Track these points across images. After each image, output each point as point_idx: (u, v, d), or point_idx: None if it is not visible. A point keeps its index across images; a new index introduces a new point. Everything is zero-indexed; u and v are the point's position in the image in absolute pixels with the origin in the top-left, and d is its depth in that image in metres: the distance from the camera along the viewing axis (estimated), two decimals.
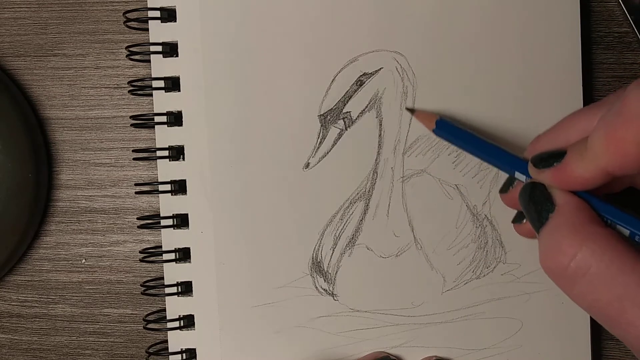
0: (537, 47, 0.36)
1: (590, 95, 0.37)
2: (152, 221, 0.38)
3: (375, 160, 0.37)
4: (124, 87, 0.39)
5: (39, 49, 0.40)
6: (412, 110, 0.36)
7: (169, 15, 0.37)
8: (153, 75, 0.37)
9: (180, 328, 0.38)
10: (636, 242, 0.25)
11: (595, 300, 0.23)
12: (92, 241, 0.40)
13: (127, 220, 0.40)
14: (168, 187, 0.37)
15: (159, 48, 0.37)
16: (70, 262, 0.40)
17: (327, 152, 0.37)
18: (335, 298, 0.37)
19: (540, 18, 0.36)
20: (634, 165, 0.24)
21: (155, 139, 0.38)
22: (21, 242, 0.39)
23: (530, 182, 0.28)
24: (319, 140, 0.37)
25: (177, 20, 0.37)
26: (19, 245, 0.39)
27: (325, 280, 0.37)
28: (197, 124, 0.37)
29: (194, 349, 0.38)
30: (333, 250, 0.37)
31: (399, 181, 0.37)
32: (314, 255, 0.37)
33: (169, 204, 0.38)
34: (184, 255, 0.38)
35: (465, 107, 0.36)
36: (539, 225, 0.26)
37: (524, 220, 0.30)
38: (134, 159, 0.38)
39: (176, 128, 0.37)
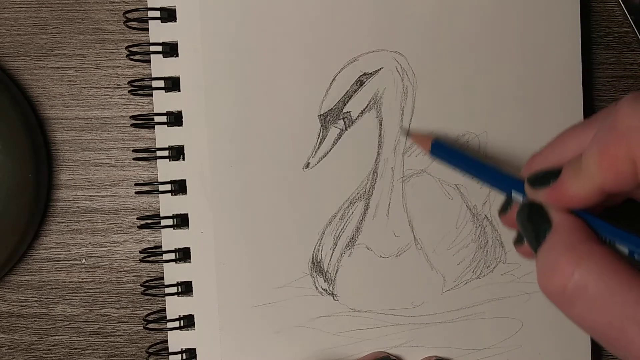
0: (537, 47, 0.36)
1: (590, 95, 0.37)
2: (152, 221, 0.38)
3: (375, 160, 0.37)
4: (124, 87, 0.39)
5: (39, 49, 0.40)
6: (407, 132, 0.36)
7: (169, 15, 0.37)
8: (153, 75, 0.37)
9: (180, 328, 0.38)
10: (635, 260, 0.25)
11: (595, 321, 0.23)
12: (92, 241, 0.40)
13: (127, 220, 0.40)
14: (168, 187, 0.37)
15: (159, 48, 0.37)
16: (70, 262, 0.40)
17: (327, 152, 0.37)
18: (335, 298, 0.37)
19: (540, 18, 0.36)
20: (628, 183, 0.24)
21: (155, 139, 0.38)
22: (21, 242, 0.39)
23: (527, 202, 0.28)
24: (319, 140, 0.37)
25: (177, 20, 0.37)
26: (19, 245, 0.39)
27: (325, 280, 0.37)
28: (197, 124, 0.37)
29: (194, 349, 0.38)
30: (333, 250, 0.37)
31: (399, 181, 0.37)
32: (314, 255, 0.37)
33: (169, 204, 0.38)
34: (184, 255, 0.38)
35: (465, 107, 0.36)
36: (536, 245, 0.26)
37: (525, 241, 0.30)
38: (134, 159, 0.38)
39: (176, 128, 0.37)
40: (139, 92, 0.38)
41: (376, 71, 0.37)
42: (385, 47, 0.37)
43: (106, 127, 0.40)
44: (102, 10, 0.39)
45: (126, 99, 0.40)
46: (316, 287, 0.37)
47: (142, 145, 0.39)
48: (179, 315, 0.38)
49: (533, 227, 0.26)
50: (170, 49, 0.37)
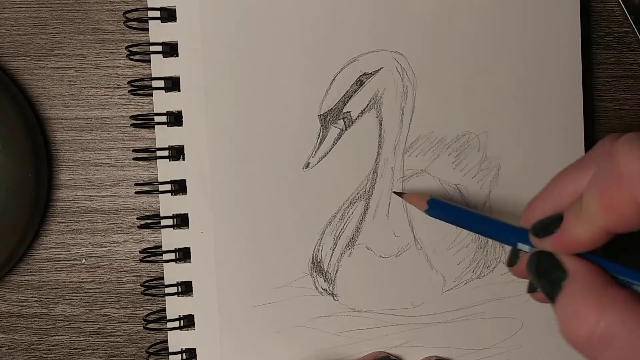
0: (537, 47, 0.36)
1: (590, 95, 0.37)
2: (152, 221, 0.38)
3: (375, 160, 0.37)
4: (124, 87, 0.39)
5: (39, 49, 0.40)
6: (400, 194, 0.35)
7: (169, 15, 0.37)
8: (153, 75, 0.37)
9: (180, 328, 0.38)
10: None
11: None
12: (92, 241, 0.40)
13: (127, 220, 0.40)
14: (168, 187, 0.37)
15: (159, 48, 0.37)
16: (70, 262, 0.40)
17: (327, 152, 0.37)
18: (335, 298, 0.37)
19: (540, 18, 0.36)
20: (633, 224, 0.24)
21: (155, 139, 0.38)
22: (21, 242, 0.39)
23: (536, 252, 0.27)
24: (319, 140, 0.37)
25: (177, 20, 0.37)
26: (19, 245, 0.39)
27: (325, 280, 0.37)
28: (197, 124, 0.37)
29: (194, 349, 0.38)
30: (333, 250, 0.37)
31: (399, 181, 0.37)
32: (314, 255, 0.37)
33: (169, 204, 0.38)
34: (184, 255, 0.38)
35: (465, 107, 0.36)
36: (553, 295, 0.25)
37: (539, 290, 0.29)
38: (134, 159, 0.38)
39: (176, 128, 0.37)
40: (139, 92, 0.38)
41: (376, 71, 0.37)
42: (385, 47, 0.36)
43: (106, 127, 0.40)
44: (102, 10, 0.39)
45: (126, 99, 0.40)
46: (316, 287, 0.37)
47: (142, 145, 0.39)
48: (179, 315, 0.38)
49: (547, 276, 0.26)
50: (170, 49, 0.37)
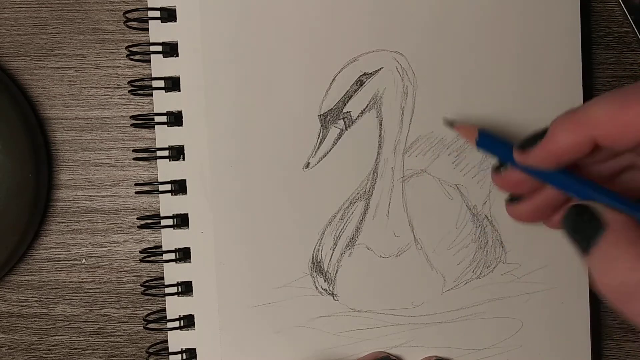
0: (537, 47, 0.36)
1: (590, 95, 0.37)
2: (152, 221, 0.38)
3: (375, 160, 0.37)
4: (124, 87, 0.39)
5: (39, 49, 0.40)
6: (451, 123, 0.35)
7: (169, 15, 0.37)
8: (153, 75, 0.37)
9: (180, 328, 0.38)
10: None
11: None
12: (92, 241, 0.40)
13: (127, 220, 0.40)
14: (168, 187, 0.37)
15: (159, 48, 0.37)
16: (70, 262, 0.40)
17: (327, 152, 0.37)
18: (335, 298, 0.37)
19: (540, 18, 0.36)
20: (631, 138, 0.25)
21: (155, 139, 0.38)
22: (21, 242, 0.39)
23: (575, 205, 0.28)
24: (319, 140, 0.37)
25: (177, 20, 0.37)
26: (19, 245, 0.39)
27: (325, 280, 0.37)
28: (197, 124, 0.37)
29: (194, 349, 0.38)
30: (333, 250, 0.37)
31: (399, 181, 0.37)
32: (314, 255, 0.37)
33: (169, 204, 0.38)
34: (184, 255, 0.38)
35: (465, 107, 0.36)
36: (588, 246, 0.26)
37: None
38: (134, 159, 0.38)
39: (176, 128, 0.37)
40: (139, 92, 0.38)
41: (376, 71, 0.37)
42: (385, 47, 0.36)
43: (106, 127, 0.40)
44: (102, 10, 0.39)
45: (126, 99, 0.40)
46: (316, 287, 0.37)
47: (142, 145, 0.39)
48: (179, 315, 0.38)
49: (585, 227, 0.26)
50: (170, 49, 0.37)
